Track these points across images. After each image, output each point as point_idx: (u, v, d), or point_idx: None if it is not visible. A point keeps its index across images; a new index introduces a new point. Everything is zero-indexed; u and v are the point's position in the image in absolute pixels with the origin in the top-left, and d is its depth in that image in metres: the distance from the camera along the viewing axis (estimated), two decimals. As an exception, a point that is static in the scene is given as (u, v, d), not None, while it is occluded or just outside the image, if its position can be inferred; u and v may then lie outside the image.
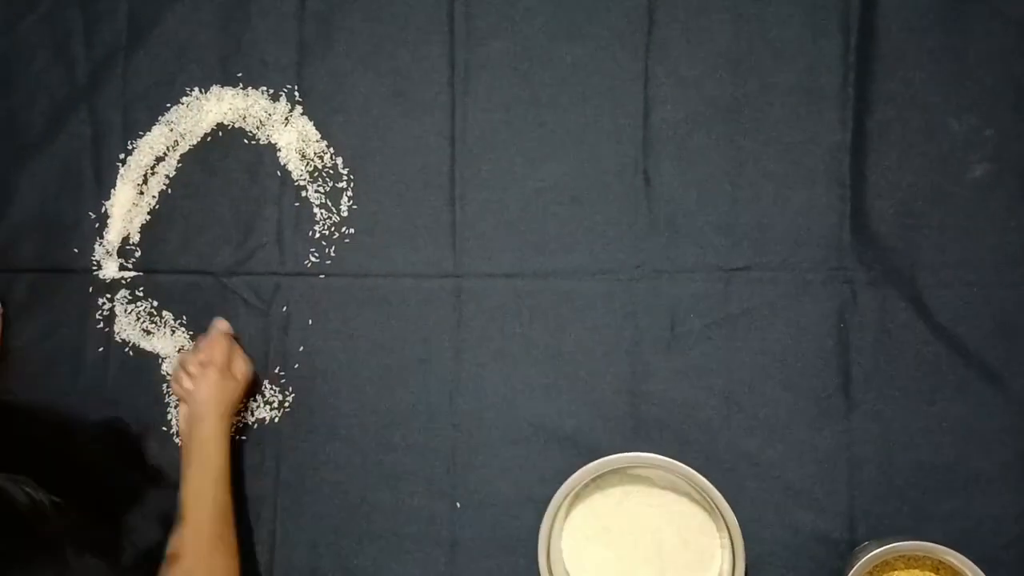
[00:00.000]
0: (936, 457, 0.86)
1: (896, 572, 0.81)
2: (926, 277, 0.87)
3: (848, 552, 0.85)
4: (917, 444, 0.86)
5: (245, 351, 0.95)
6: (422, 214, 0.95)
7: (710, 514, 0.85)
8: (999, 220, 0.87)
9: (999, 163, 0.87)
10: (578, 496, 0.87)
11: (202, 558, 0.81)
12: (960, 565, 0.79)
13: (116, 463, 0.93)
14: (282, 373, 0.96)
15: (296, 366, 0.96)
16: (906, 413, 0.87)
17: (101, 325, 0.99)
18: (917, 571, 0.81)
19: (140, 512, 0.90)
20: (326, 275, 0.97)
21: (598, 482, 0.87)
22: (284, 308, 0.97)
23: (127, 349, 0.99)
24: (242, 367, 0.92)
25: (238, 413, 0.94)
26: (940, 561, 0.80)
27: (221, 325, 0.95)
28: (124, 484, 0.92)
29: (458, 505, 0.92)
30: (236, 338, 0.95)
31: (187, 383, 0.90)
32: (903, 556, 0.81)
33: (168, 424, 0.97)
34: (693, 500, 0.86)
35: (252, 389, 0.95)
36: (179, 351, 0.97)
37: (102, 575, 0.65)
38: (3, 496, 0.60)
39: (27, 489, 0.62)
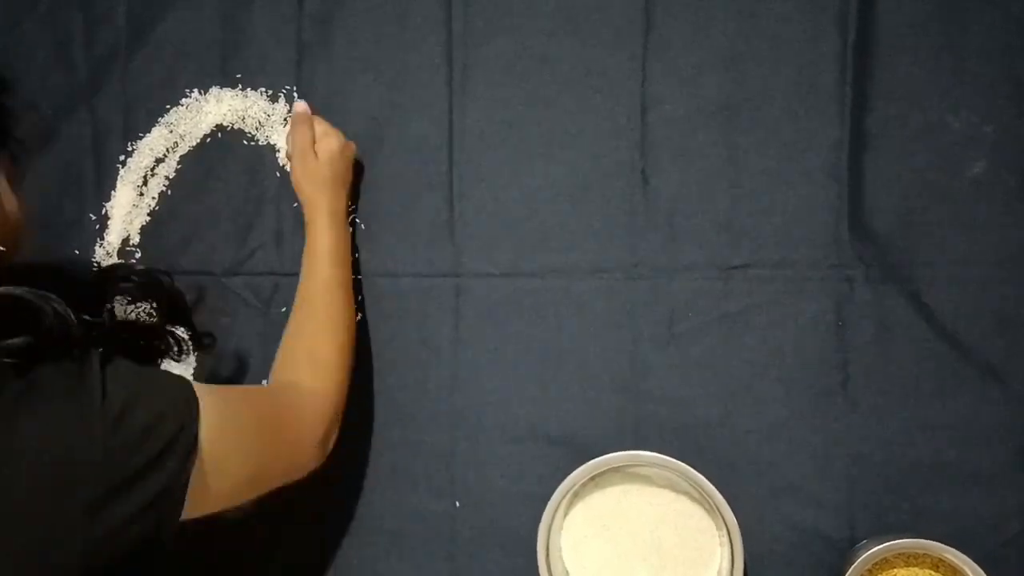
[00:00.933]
0: (936, 455, 0.86)
1: (896, 570, 0.81)
2: (925, 274, 0.87)
3: (847, 550, 0.85)
4: (916, 441, 0.86)
5: (247, 353, 0.95)
6: (420, 213, 0.96)
7: (709, 512, 0.85)
8: (998, 217, 0.87)
9: (998, 160, 0.87)
10: (577, 494, 0.87)
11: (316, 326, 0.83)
12: (959, 563, 0.79)
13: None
14: (282, 373, 0.97)
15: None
16: (905, 410, 0.86)
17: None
18: (916, 569, 0.81)
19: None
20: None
21: (597, 480, 0.87)
22: (283, 308, 0.97)
23: (127, 349, 0.99)
24: (323, 144, 0.90)
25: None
26: (940, 559, 0.80)
27: (298, 107, 0.92)
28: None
29: (457, 504, 0.92)
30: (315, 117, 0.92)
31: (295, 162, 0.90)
32: (903, 554, 0.81)
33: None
34: (692, 498, 0.86)
35: (344, 162, 0.92)
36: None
37: (134, 371, 0.63)
38: (29, 305, 0.60)
39: (55, 305, 0.61)
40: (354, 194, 0.96)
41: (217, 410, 0.65)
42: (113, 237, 1.01)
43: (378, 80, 0.98)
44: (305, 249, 0.88)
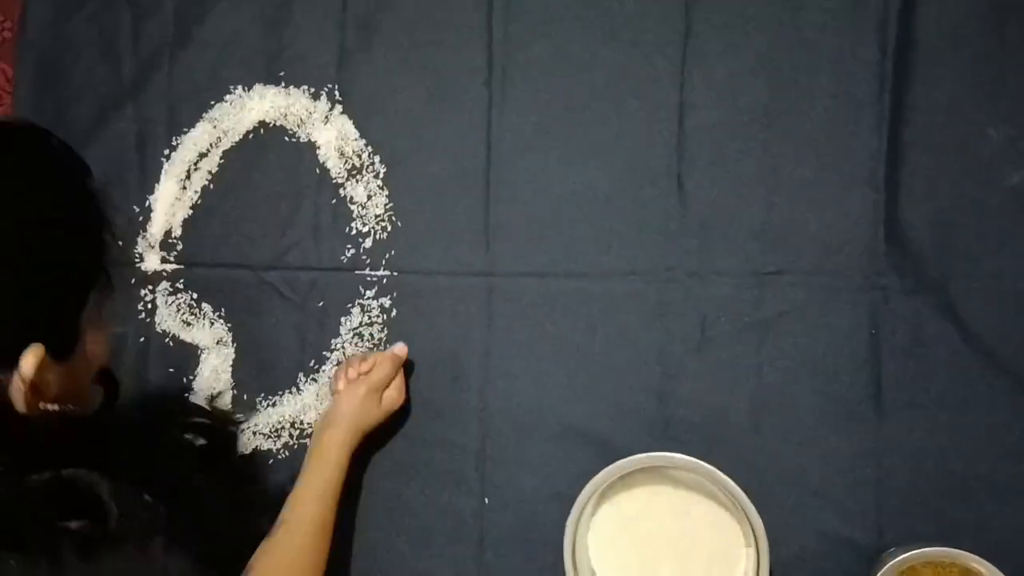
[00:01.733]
0: (967, 466, 0.85)
1: (923, 580, 0.81)
2: (960, 286, 0.87)
3: (875, 558, 0.85)
4: (947, 453, 0.86)
5: (284, 347, 0.96)
6: (456, 213, 0.97)
7: (736, 517, 0.86)
8: (1034, 230, 0.87)
9: (1036, 173, 0.87)
10: (604, 495, 0.88)
11: (286, 561, 0.80)
12: (988, 573, 0.79)
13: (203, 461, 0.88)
14: (316, 367, 0.98)
15: (329, 360, 0.98)
16: (937, 422, 0.86)
17: (143, 316, 1.02)
18: (944, 579, 0.81)
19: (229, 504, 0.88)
20: (360, 271, 0.98)
21: (625, 481, 0.88)
22: (320, 303, 0.98)
23: (167, 340, 1.01)
24: (392, 396, 0.91)
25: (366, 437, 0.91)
26: (967, 568, 0.80)
27: (399, 350, 0.93)
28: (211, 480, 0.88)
29: (486, 501, 0.93)
30: (405, 365, 0.94)
31: (340, 384, 0.90)
32: (930, 562, 0.81)
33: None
34: (719, 502, 0.86)
35: (392, 421, 0.93)
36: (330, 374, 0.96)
37: (189, 565, 0.64)
38: (81, 486, 0.59)
39: (107, 483, 0.60)
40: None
41: None
42: (156, 229, 1.03)
43: (418, 81, 0.99)
44: (306, 473, 0.86)
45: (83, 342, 0.62)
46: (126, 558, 0.60)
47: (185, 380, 1.01)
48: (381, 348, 0.97)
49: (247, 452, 0.98)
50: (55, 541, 0.57)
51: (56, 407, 0.60)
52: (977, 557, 0.79)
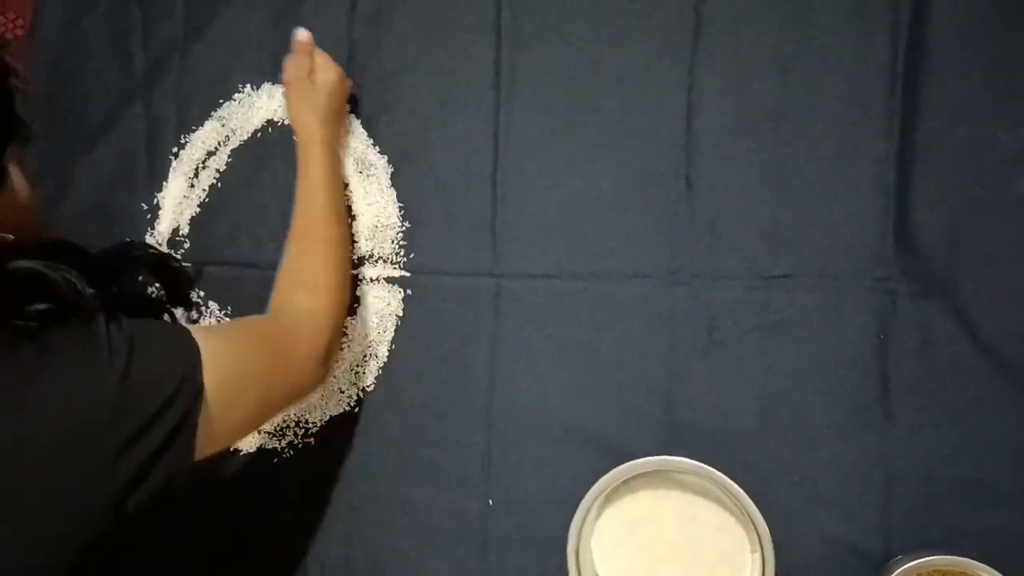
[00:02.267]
0: (975, 473, 0.84)
1: (931, 588, 0.80)
2: (970, 291, 0.86)
3: (881, 565, 0.84)
4: (955, 459, 0.85)
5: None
6: (463, 213, 0.97)
7: (741, 522, 0.85)
8: (1047, 235, 0.86)
9: (1049, 177, 0.86)
10: (609, 498, 0.87)
11: (304, 255, 0.86)
12: (997, 583, 0.78)
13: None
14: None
15: (335, 360, 0.98)
16: (945, 428, 0.85)
17: (149, 313, 1.02)
18: (952, 588, 0.80)
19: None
20: (367, 271, 0.98)
21: (630, 484, 0.87)
22: (326, 302, 0.98)
23: (173, 338, 1.01)
24: (321, 75, 0.93)
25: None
26: (976, 578, 0.79)
27: (300, 35, 0.95)
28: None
29: (490, 503, 0.93)
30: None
31: (285, 102, 0.95)
32: (938, 570, 0.80)
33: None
34: (725, 507, 0.86)
35: (341, 95, 0.95)
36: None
37: (137, 326, 0.66)
38: (44, 277, 0.63)
39: (67, 276, 0.64)
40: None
41: (218, 351, 0.68)
42: (163, 227, 1.03)
43: (425, 80, 0.99)
44: (299, 178, 0.90)
45: (6, 178, 0.66)
46: (76, 335, 0.62)
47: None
48: (389, 349, 0.97)
49: (251, 451, 0.98)
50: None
51: None
52: (985, 566, 0.78)
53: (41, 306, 0.62)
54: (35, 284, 0.63)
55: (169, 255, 0.90)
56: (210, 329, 0.72)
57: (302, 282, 0.85)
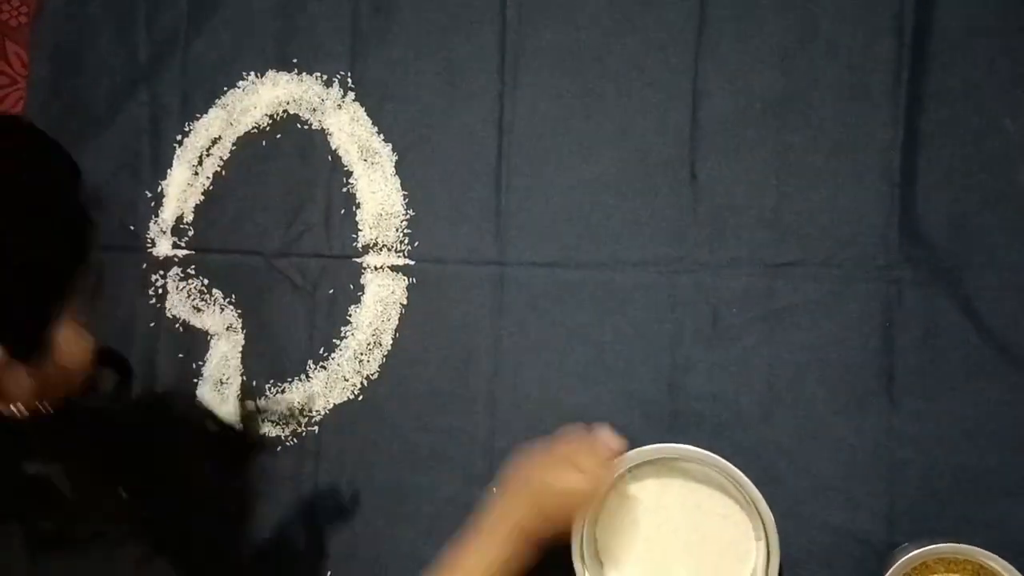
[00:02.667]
0: (979, 461, 0.84)
1: (935, 575, 0.80)
2: (975, 279, 0.86)
3: (886, 553, 0.84)
4: (960, 447, 0.85)
5: (293, 334, 0.96)
6: (468, 201, 0.96)
7: (746, 509, 0.85)
8: (1052, 223, 0.85)
9: (1054, 166, 0.86)
10: (613, 486, 0.87)
11: None
12: (1002, 570, 0.78)
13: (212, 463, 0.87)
14: (325, 354, 0.98)
15: (339, 348, 0.98)
16: (950, 415, 0.85)
17: (154, 301, 1.02)
18: (957, 575, 0.80)
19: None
20: (371, 259, 0.98)
21: (634, 472, 0.87)
22: (330, 291, 0.98)
23: (177, 325, 1.01)
24: (575, 476, 0.77)
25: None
26: (981, 566, 0.79)
27: (614, 444, 0.81)
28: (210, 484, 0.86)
29: (494, 490, 0.93)
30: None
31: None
32: (943, 559, 0.80)
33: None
34: (729, 495, 0.86)
35: (571, 511, 0.79)
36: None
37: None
38: (51, 486, 0.60)
39: (71, 478, 0.60)
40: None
41: None
42: (167, 214, 1.03)
43: (431, 68, 0.99)
44: (475, 532, 0.78)
45: (53, 346, 0.59)
46: (87, 558, 0.59)
47: (195, 366, 1.01)
48: (393, 337, 0.96)
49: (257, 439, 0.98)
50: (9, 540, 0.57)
51: (22, 408, 0.58)
52: (990, 554, 0.78)
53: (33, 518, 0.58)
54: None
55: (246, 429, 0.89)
56: None
57: None
